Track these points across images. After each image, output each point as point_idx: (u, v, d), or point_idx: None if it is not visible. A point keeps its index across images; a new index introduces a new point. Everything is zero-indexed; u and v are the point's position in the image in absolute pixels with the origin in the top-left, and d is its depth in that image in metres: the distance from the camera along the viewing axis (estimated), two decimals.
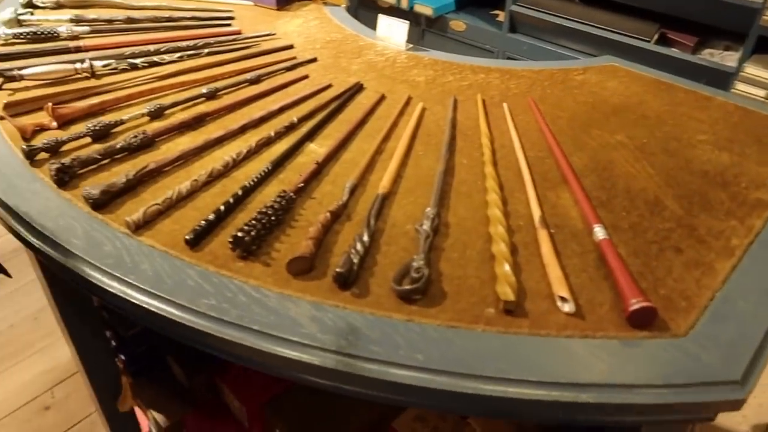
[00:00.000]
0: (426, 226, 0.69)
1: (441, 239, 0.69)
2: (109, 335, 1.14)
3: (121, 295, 0.63)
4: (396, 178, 0.79)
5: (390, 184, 0.77)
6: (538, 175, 0.81)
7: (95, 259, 0.66)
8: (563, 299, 0.61)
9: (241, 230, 0.65)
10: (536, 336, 0.58)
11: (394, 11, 2.46)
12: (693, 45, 1.93)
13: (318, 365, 0.56)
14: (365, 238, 0.67)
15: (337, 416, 0.95)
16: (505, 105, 0.97)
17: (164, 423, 1.03)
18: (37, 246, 0.69)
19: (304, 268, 0.64)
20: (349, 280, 0.62)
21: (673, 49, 1.95)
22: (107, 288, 0.64)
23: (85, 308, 1.10)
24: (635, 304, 0.58)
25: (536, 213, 0.73)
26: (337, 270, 0.62)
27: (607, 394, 0.53)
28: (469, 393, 0.54)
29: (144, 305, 0.62)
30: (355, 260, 0.63)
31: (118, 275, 0.64)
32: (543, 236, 0.69)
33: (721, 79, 1.78)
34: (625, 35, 1.96)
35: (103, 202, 0.72)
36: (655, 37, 1.96)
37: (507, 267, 0.63)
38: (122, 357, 1.10)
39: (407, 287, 0.61)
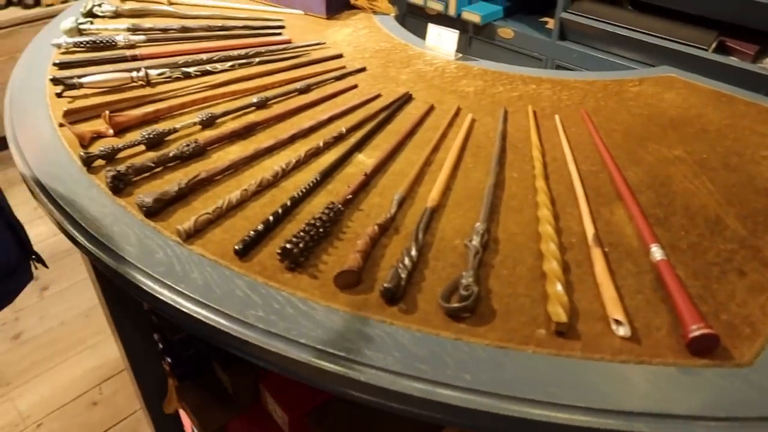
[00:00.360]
0: (475, 241, 0.67)
1: (490, 255, 0.68)
2: (156, 338, 1.17)
3: (171, 303, 0.64)
4: (445, 190, 0.78)
5: (439, 197, 0.76)
6: (592, 190, 0.78)
7: (147, 267, 0.67)
8: (618, 322, 0.59)
9: (289, 242, 0.65)
10: (589, 360, 0.56)
11: (442, 18, 2.45)
12: (754, 54, 1.85)
13: (363, 381, 0.56)
14: (413, 252, 0.66)
15: (380, 429, 0.94)
16: (556, 117, 0.95)
17: (208, 427, 1.04)
18: (92, 251, 0.71)
19: (351, 281, 0.63)
20: (396, 296, 0.62)
21: (733, 58, 1.87)
22: (158, 296, 0.65)
23: (134, 310, 1.12)
24: (696, 330, 0.56)
25: (589, 230, 0.71)
26: (385, 285, 0.61)
27: (663, 425, 0.51)
28: (516, 417, 0.53)
29: (193, 314, 0.63)
30: (403, 275, 0.63)
31: (169, 283, 0.65)
32: (596, 255, 0.67)
33: None
34: (681, 43, 1.90)
35: (156, 210, 0.73)
36: (713, 45, 1.89)
37: (559, 286, 0.61)
38: (169, 360, 1.12)
39: (456, 305, 0.60)
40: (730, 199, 0.77)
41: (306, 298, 0.62)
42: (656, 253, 0.66)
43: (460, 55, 1.15)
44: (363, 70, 1.09)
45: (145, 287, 0.66)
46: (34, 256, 0.81)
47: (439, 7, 2.44)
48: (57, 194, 0.79)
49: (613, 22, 2.02)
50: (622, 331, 0.58)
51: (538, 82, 1.06)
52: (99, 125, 0.89)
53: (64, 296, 2.15)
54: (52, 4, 2.70)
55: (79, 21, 1.20)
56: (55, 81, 0.98)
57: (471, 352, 0.57)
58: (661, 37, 1.93)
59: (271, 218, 0.71)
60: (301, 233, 0.67)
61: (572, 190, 0.78)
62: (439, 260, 0.67)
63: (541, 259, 0.67)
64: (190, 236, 0.70)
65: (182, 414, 1.23)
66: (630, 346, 0.57)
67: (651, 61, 1.98)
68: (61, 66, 1.05)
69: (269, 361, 0.60)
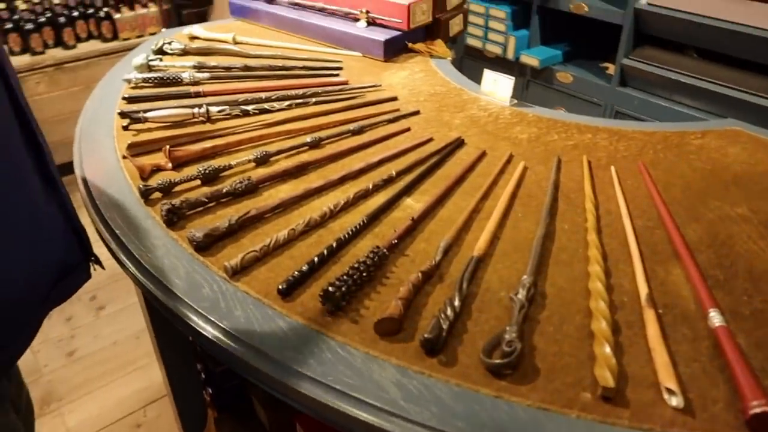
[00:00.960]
0: (521, 294, 0.65)
1: (536, 310, 0.66)
2: (199, 368, 1.18)
3: (213, 339, 0.65)
4: (492, 239, 0.77)
5: (486, 246, 0.75)
6: (647, 247, 0.75)
7: (193, 301, 0.68)
8: (670, 391, 0.55)
9: (332, 285, 0.65)
10: (637, 430, 0.53)
11: (500, 61, 2.46)
12: None
13: None
14: (456, 302, 0.64)
15: None
16: (612, 168, 0.92)
17: None
18: (142, 282, 0.73)
19: (392, 329, 0.63)
20: (436, 347, 0.60)
21: None
22: (201, 330, 0.66)
23: (179, 339, 1.14)
24: (757, 406, 0.52)
25: (643, 290, 0.68)
26: (425, 335, 0.60)
27: None
28: None
29: (233, 351, 0.63)
30: (445, 326, 0.61)
31: (212, 319, 0.66)
32: (650, 316, 0.64)
33: None
34: (747, 93, 1.84)
35: (206, 245, 0.75)
36: None
37: (608, 348, 0.59)
38: (210, 390, 1.13)
39: (498, 361, 0.58)
40: None
41: (345, 344, 0.62)
42: (715, 318, 0.63)
43: (516, 101, 1.14)
44: (417, 113, 1.10)
45: (189, 321, 0.67)
46: (93, 258, 0.84)
47: (497, 50, 2.46)
48: (114, 223, 0.82)
49: (677, 70, 1.98)
50: (675, 401, 0.55)
51: (595, 132, 1.04)
52: (159, 159, 0.93)
53: (118, 317, 2.22)
54: (128, 38, 2.86)
55: (150, 58, 1.26)
56: (123, 114, 1.03)
57: (511, 412, 0.55)
58: (727, 86, 1.87)
59: (315, 259, 0.71)
60: (345, 277, 0.67)
61: (626, 245, 0.76)
62: (483, 312, 0.66)
63: (590, 318, 0.64)
64: (237, 273, 0.71)
65: None
66: (683, 419, 0.54)
67: (716, 110, 1.92)
68: (130, 100, 1.10)
69: (304, 404, 0.60)
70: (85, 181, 0.91)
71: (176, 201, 0.80)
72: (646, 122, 1.06)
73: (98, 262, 0.85)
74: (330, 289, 0.65)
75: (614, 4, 2.11)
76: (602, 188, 0.88)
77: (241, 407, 1.14)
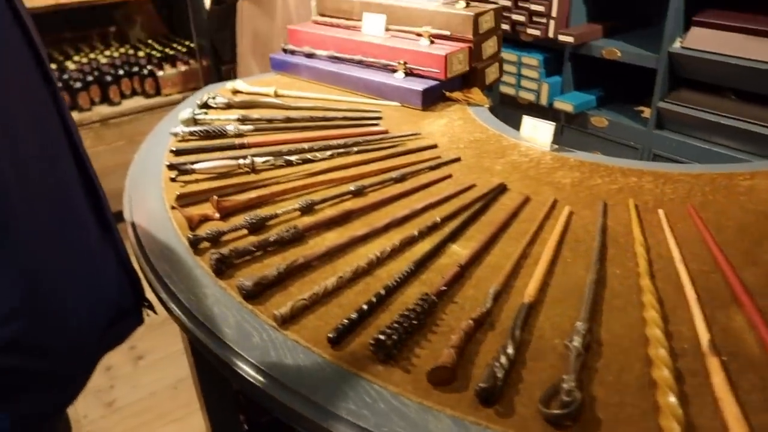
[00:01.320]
0: (576, 342, 0.64)
1: (593, 358, 0.64)
2: (242, 419, 1.17)
3: (263, 388, 0.64)
4: (542, 285, 0.75)
5: (536, 293, 0.73)
6: (704, 292, 0.73)
7: (243, 350, 0.68)
8: None
9: (382, 333, 0.65)
10: None
11: (533, 108, 2.47)
12: None
13: None
14: (510, 350, 0.63)
15: None
16: (660, 211, 0.91)
17: None
18: (192, 330, 0.74)
19: (445, 378, 0.61)
20: (492, 397, 0.59)
21: None
22: (251, 380, 0.65)
23: (224, 389, 1.14)
24: None
25: (704, 336, 0.65)
26: (481, 385, 0.58)
27: None
28: None
29: (284, 402, 0.62)
30: (500, 375, 0.60)
31: (263, 369, 0.66)
32: (713, 364, 0.61)
33: None
34: None
35: (255, 294, 0.75)
36: None
37: (672, 398, 0.56)
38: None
39: (557, 411, 0.56)
40: None
41: (399, 394, 0.61)
42: None
43: (556, 146, 1.14)
44: (457, 160, 1.11)
45: (240, 371, 0.67)
46: (146, 303, 0.85)
47: (530, 97, 2.47)
48: (164, 272, 0.83)
49: (716, 111, 1.96)
50: None
51: (639, 175, 1.03)
52: (207, 209, 0.94)
53: (156, 366, 2.23)
54: (170, 94, 2.97)
55: (195, 112, 1.30)
56: (171, 167, 1.06)
57: None
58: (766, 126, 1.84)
59: (365, 307, 0.71)
60: (395, 324, 0.66)
61: (681, 290, 0.73)
62: (538, 360, 0.64)
63: (650, 366, 0.62)
64: (286, 321, 0.71)
65: None
66: None
67: (757, 151, 1.88)
68: (177, 153, 1.13)
69: None
70: (134, 229, 0.94)
71: (225, 250, 0.81)
72: (691, 164, 1.05)
73: (151, 307, 0.87)
74: (381, 337, 0.64)
75: (647, 48, 2.12)
76: (651, 232, 0.86)
77: None
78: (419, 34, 1.44)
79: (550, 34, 2.31)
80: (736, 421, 0.54)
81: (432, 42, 1.41)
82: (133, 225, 0.95)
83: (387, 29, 1.51)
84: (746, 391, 0.59)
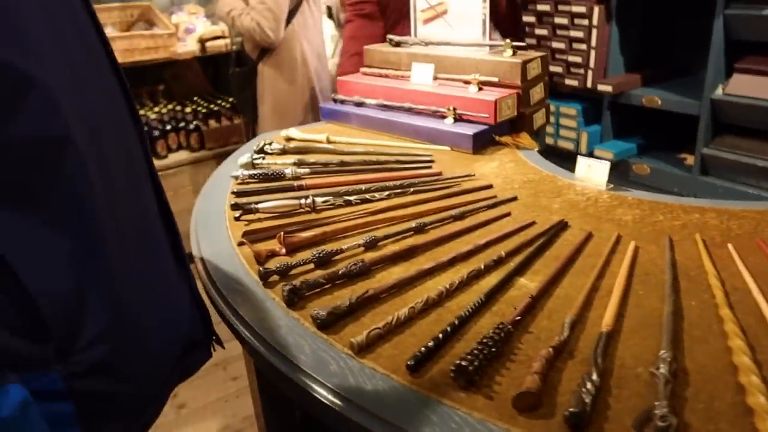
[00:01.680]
0: (663, 369, 0.63)
1: (680, 387, 0.63)
2: None
3: (343, 412, 0.64)
4: (617, 317, 0.75)
5: (612, 322, 0.73)
6: None
7: (321, 377, 0.68)
8: None
9: (463, 359, 0.65)
10: None
11: (573, 157, 2.49)
12: None
13: None
14: (594, 377, 0.62)
15: None
16: (729, 245, 0.90)
17: None
18: (268, 359, 0.74)
19: (531, 403, 0.61)
20: (582, 422, 0.58)
21: None
22: (330, 404, 0.65)
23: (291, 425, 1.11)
24: None
25: None
26: (570, 410, 0.58)
27: None
28: None
29: (365, 425, 0.62)
30: (587, 400, 0.59)
31: (342, 393, 0.66)
32: None
33: None
34: None
35: (329, 323, 0.76)
36: None
37: None
38: None
39: None
40: None
41: (483, 420, 0.60)
42: None
43: (612, 185, 1.15)
44: (514, 199, 1.12)
45: (320, 397, 0.67)
46: (214, 337, 0.86)
47: (569, 146, 2.50)
48: (235, 303, 0.84)
49: (762, 156, 1.95)
50: None
51: (701, 212, 1.02)
52: (273, 245, 0.97)
53: (197, 415, 2.21)
54: (213, 148, 3.07)
55: (254, 157, 1.35)
56: (235, 206, 1.09)
57: None
58: None
59: (440, 336, 0.71)
60: (474, 351, 0.66)
61: (763, 320, 0.72)
62: (623, 388, 0.63)
63: (742, 395, 0.60)
64: (362, 350, 0.71)
65: None
66: None
67: None
68: (239, 194, 1.17)
69: None
70: (204, 264, 0.96)
71: (296, 282, 0.83)
72: (755, 201, 1.04)
73: (219, 341, 0.88)
74: (462, 363, 0.64)
75: (688, 95, 2.13)
76: (723, 265, 0.85)
77: None
78: (467, 82, 1.48)
79: (588, 84, 2.35)
80: None
81: (480, 89, 1.45)
82: (203, 260, 0.97)
83: (435, 78, 1.55)
84: None
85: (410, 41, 1.69)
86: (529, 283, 0.84)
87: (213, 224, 1.10)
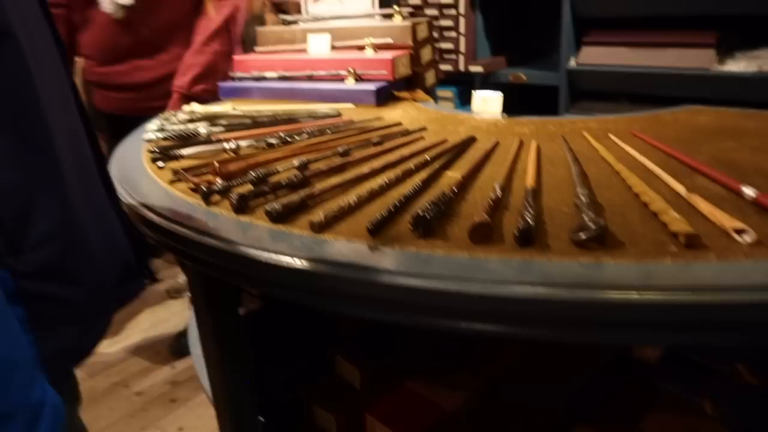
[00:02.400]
0: (584, 197, 0.74)
1: (599, 212, 0.74)
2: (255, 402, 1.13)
3: (315, 270, 0.68)
4: (537, 180, 0.86)
5: (534, 182, 0.84)
6: (668, 169, 0.86)
7: (288, 251, 0.72)
8: (741, 232, 0.64)
9: (421, 210, 0.72)
10: (726, 261, 0.61)
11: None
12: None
13: (516, 298, 0.59)
14: (530, 211, 0.72)
15: None
16: (611, 135, 1.06)
17: None
18: (227, 251, 0.76)
19: (485, 234, 0.69)
20: (530, 237, 0.67)
21: None
22: (301, 268, 0.69)
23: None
24: None
25: (681, 189, 0.78)
26: (519, 227, 0.67)
27: None
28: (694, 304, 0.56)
29: (337, 274, 0.67)
30: (530, 220, 0.68)
31: (310, 257, 0.70)
32: (696, 199, 0.73)
33: None
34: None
35: (284, 215, 0.80)
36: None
37: (675, 213, 0.67)
38: (262, 419, 1.09)
39: (587, 235, 0.65)
40: None
41: (448, 254, 0.67)
42: (748, 191, 0.73)
43: (506, 115, 1.29)
44: (424, 129, 1.22)
45: (284, 263, 0.70)
46: (147, 270, 0.87)
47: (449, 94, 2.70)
48: (183, 220, 0.85)
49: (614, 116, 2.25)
50: (749, 237, 0.63)
51: (584, 122, 1.19)
52: (207, 178, 0.98)
53: None
54: None
55: (162, 123, 1.34)
56: (157, 153, 1.09)
57: (617, 266, 0.61)
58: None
59: (393, 206, 0.78)
60: (427, 208, 0.74)
61: (652, 173, 0.87)
62: (555, 218, 0.73)
63: (648, 209, 0.73)
64: (322, 228, 0.76)
65: None
66: (760, 250, 0.62)
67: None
68: (158, 151, 1.16)
69: (429, 309, 0.64)
70: (139, 203, 0.95)
71: (242, 191, 0.86)
72: (624, 113, 1.23)
73: (151, 273, 0.89)
74: (420, 213, 0.71)
75: (547, 70, 2.40)
76: (608, 147, 1.01)
77: (302, 423, 1.10)
78: (362, 47, 1.58)
79: (461, 68, 2.56)
80: (728, 220, 0.66)
81: (376, 51, 1.56)
82: (137, 201, 0.96)
83: (332, 47, 1.64)
84: (728, 211, 0.71)
85: (303, 18, 1.76)
86: (455, 174, 0.93)
87: (136, 177, 1.09)
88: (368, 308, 0.69)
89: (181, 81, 1.97)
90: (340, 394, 1.08)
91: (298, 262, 0.70)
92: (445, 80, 2.66)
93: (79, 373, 0.91)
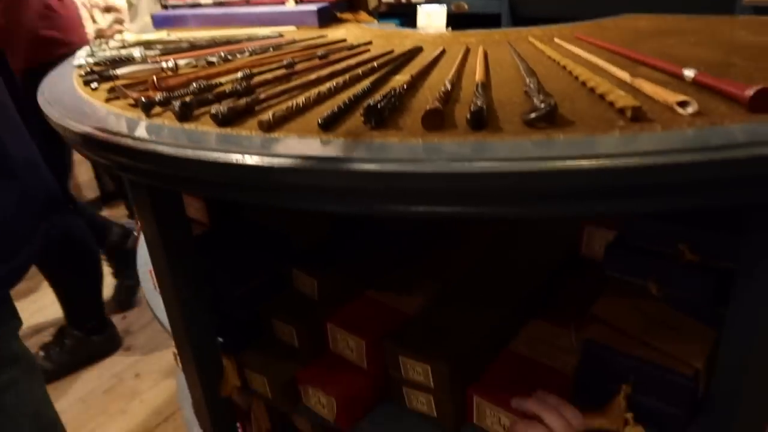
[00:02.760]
0: (532, 85, 0.75)
1: (548, 95, 0.75)
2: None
3: (270, 164, 0.66)
4: (486, 77, 0.86)
5: (484, 77, 0.84)
6: (614, 63, 0.87)
7: (237, 150, 0.70)
8: (684, 104, 0.66)
9: (370, 102, 0.71)
10: (670, 130, 0.62)
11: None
12: None
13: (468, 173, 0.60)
14: (480, 100, 0.72)
15: (455, 344, 0.93)
16: (556, 39, 1.06)
17: (276, 382, 1.00)
18: (169, 155, 0.73)
19: (437, 122, 0.69)
20: (482, 119, 0.67)
21: None
22: (255, 164, 0.67)
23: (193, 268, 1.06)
24: (750, 89, 0.64)
25: (625, 76, 0.79)
26: (471, 109, 0.67)
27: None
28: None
29: (291, 166, 0.65)
30: (481, 103, 0.68)
31: (263, 153, 0.68)
32: (640, 82, 0.75)
33: None
34: None
35: (230, 118, 0.77)
36: None
37: (621, 92, 0.69)
38: (221, 340, 1.08)
39: (538, 114, 0.66)
40: (729, 50, 0.88)
41: (401, 141, 0.67)
42: (688, 72, 0.75)
43: (450, 28, 1.27)
44: (369, 43, 1.20)
45: (236, 161, 0.68)
46: (72, 203, 0.85)
47: None
48: (124, 132, 0.81)
49: None
50: (690, 108, 0.65)
51: (529, 30, 1.19)
52: (146, 93, 0.94)
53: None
54: None
55: (94, 49, 1.27)
56: (89, 74, 1.03)
57: (568, 140, 0.62)
58: None
59: (344, 102, 0.76)
60: (378, 99, 0.73)
61: (597, 66, 0.88)
62: (506, 108, 0.74)
63: (595, 93, 0.74)
64: (272, 127, 0.74)
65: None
66: (701, 120, 0.64)
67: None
68: (90, 71, 1.10)
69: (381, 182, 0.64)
70: (72, 124, 0.90)
71: (186, 99, 0.82)
72: (566, 23, 1.23)
73: (76, 205, 0.86)
74: (371, 103, 0.70)
75: None
76: (555, 49, 1.01)
77: (261, 341, 1.10)
78: None
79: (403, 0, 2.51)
80: (670, 95, 0.68)
81: None
82: (71, 120, 0.91)
83: None
84: (672, 88, 0.72)
85: None
86: (403, 77, 0.92)
87: (70, 100, 1.03)
88: (325, 200, 0.68)
89: None
90: (299, 306, 1.08)
91: (249, 159, 0.68)
92: (387, 13, 2.61)
93: (28, 328, 0.89)
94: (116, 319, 2.39)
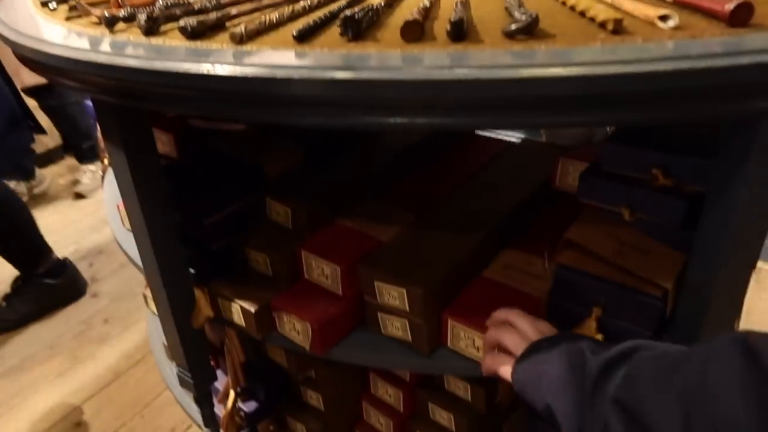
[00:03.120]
0: (513, 1, 0.73)
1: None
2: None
3: (247, 74, 0.64)
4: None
5: None
6: None
7: (210, 60, 0.67)
8: (665, 18, 0.65)
9: (347, 13, 0.68)
10: (650, 41, 0.62)
11: None
12: None
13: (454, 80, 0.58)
14: (461, 11, 0.70)
15: (429, 268, 0.93)
16: None
17: (251, 309, 0.99)
18: (141, 67, 0.70)
19: (417, 34, 0.67)
20: (462, 30, 0.65)
21: None
22: (228, 75, 0.65)
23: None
24: (731, 3, 0.63)
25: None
26: (451, 20, 0.65)
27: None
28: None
29: (263, 89, 0.63)
30: (462, 15, 0.67)
31: (237, 63, 0.66)
32: (620, 1, 0.74)
33: None
34: None
35: (200, 32, 0.74)
36: None
37: (601, 6, 0.68)
38: (193, 271, 1.07)
39: (519, 25, 0.64)
40: None
41: (380, 51, 0.65)
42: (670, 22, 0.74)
43: None
44: None
45: (208, 72, 0.65)
46: (32, 121, 0.81)
47: None
48: (87, 46, 0.78)
49: None
50: (671, 22, 0.64)
51: None
52: (110, 11, 0.89)
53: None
54: None
55: None
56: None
57: (547, 49, 0.61)
58: None
59: (323, 17, 0.74)
60: (356, 12, 0.70)
61: None
62: (486, 23, 0.72)
63: (575, 11, 0.73)
64: (243, 40, 0.71)
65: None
66: (682, 33, 0.63)
67: None
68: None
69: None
70: (32, 46, 0.86)
71: (153, 13, 0.78)
72: None
73: (39, 127, 0.83)
74: (347, 14, 0.68)
75: None
76: None
77: (234, 271, 1.09)
78: None
79: None
80: (652, 9, 0.67)
81: None
82: (32, 40, 0.86)
83: None
84: (654, 5, 0.72)
85: None
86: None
87: (28, 24, 0.97)
88: (300, 113, 0.66)
89: None
90: (272, 235, 1.07)
91: (221, 69, 0.66)
92: None
93: None
94: (83, 267, 2.35)
